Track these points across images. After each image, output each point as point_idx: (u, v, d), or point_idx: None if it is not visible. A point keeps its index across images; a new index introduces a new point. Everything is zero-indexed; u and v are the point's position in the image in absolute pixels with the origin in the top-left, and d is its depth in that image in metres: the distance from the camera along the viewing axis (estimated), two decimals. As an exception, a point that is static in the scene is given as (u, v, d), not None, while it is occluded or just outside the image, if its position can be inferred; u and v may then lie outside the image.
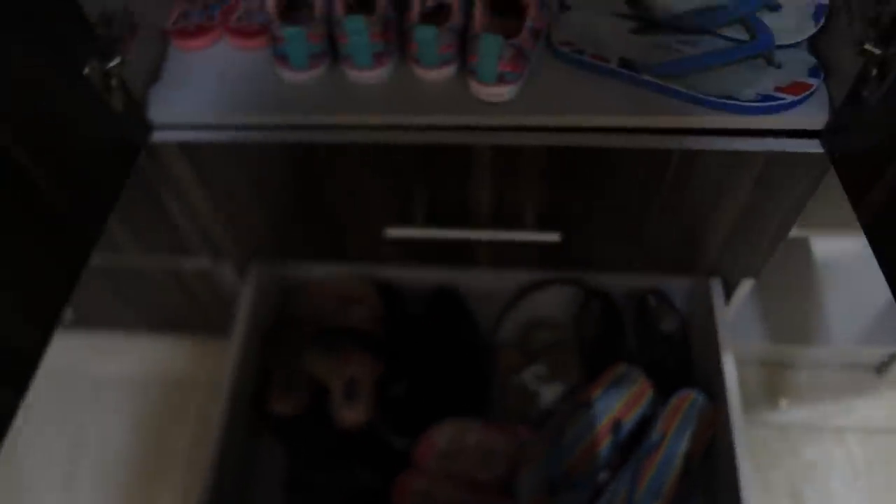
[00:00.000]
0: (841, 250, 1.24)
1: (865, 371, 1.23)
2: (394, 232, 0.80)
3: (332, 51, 0.73)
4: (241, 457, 1.00)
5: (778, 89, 0.69)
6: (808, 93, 0.69)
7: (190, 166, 0.77)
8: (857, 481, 1.13)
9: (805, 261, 1.23)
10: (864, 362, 1.22)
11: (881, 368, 1.22)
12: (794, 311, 1.18)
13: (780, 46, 0.72)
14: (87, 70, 0.62)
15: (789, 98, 0.69)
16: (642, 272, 0.91)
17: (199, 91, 0.74)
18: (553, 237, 0.79)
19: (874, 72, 0.60)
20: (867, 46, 0.60)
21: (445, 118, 0.71)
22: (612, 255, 0.88)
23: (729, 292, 0.98)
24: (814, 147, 0.70)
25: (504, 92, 0.69)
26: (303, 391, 1.02)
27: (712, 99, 0.69)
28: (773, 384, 1.22)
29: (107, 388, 1.28)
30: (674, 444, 0.97)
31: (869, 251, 1.23)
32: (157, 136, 0.74)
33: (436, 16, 0.73)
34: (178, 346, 1.31)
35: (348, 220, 0.84)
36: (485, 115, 0.70)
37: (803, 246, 1.24)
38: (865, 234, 0.63)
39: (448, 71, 0.72)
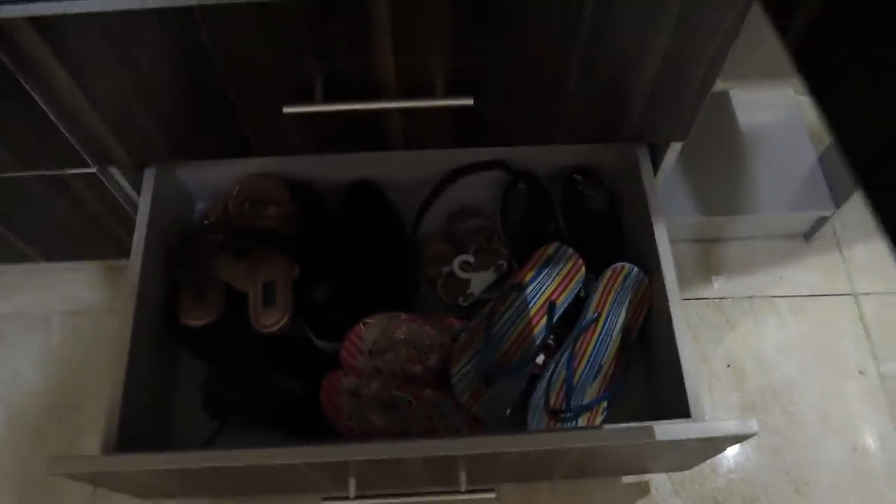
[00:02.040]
0: (764, 120, 1.22)
1: (794, 239, 1.23)
2: (292, 109, 0.72)
3: None
4: (155, 377, 0.94)
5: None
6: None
7: (48, 46, 0.67)
8: (791, 347, 1.13)
9: (728, 130, 1.21)
10: (793, 230, 1.22)
11: (809, 235, 1.22)
12: (720, 183, 1.15)
13: None
14: None
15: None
16: (565, 145, 0.86)
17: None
18: (466, 101, 0.72)
19: None
20: None
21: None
22: (531, 125, 0.82)
23: (657, 160, 0.94)
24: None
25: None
26: (215, 300, 0.96)
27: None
28: (704, 259, 1.21)
29: (9, 325, 1.19)
30: (610, 318, 0.94)
31: (790, 116, 1.22)
32: (4, 11, 0.64)
33: None
34: (81, 274, 1.22)
35: (241, 102, 0.76)
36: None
37: (726, 114, 1.21)
38: (794, 60, 0.59)
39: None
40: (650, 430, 0.73)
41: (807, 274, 1.20)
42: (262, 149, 0.83)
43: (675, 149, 0.90)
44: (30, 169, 0.87)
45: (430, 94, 0.74)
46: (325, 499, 0.83)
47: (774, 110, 1.22)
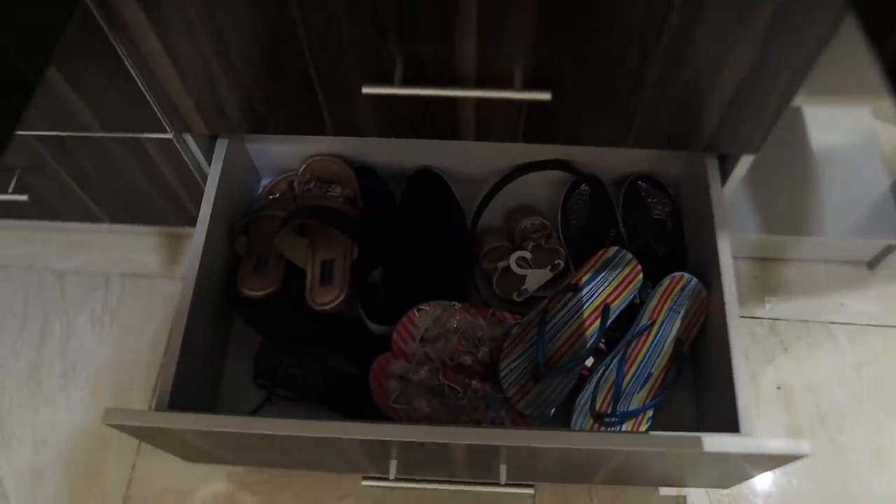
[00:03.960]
0: (836, 140, 1.19)
1: (857, 266, 1.20)
2: (371, 90, 0.73)
3: None
4: (210, 343, 0.96)
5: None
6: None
7: (143, 11, 0.69)
8: (846, 376, 1.11)
9: (799, 148, 1.18)
10: (856, 257, 1.19)
11: (873, 263, 1.19)
12: (787, 201, 1.13)
13: None
14: None
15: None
16: (634, 149, 0.85)
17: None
18: (544, 96, 0.72)
19: None
20: None
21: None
22: (604, 126, 0.82)
23: (725, 172, 0.93)
24: (831, -12, 0.63)
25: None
26: (275, 274, 0.97)
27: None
28: (763, 278, 1.19)
29: (71, 282, 1.22)
30: (665, 327, 0.93)
31: (865, 139, 1.19)
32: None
33: None
34: (142, 238, 1.25)
35: (322, 79, 0.77)
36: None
37: (798, 131, 1.19)
38: (886, 77, 0.58)
39: None
40: (698, 441, 0.72)
41: (868, 303, 1.17)
42: (336, 128, 0.84)
43: (745, 162, 0.89)
44: (109, 130, 0.90)
45: (508, 86, 0.74)
46: (366, 478, 0.84)
47: (849, 132, 1.19)
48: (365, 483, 0.85)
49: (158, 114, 0.85)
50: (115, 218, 1.14)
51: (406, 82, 0.74)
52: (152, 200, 1.07)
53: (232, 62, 0.76)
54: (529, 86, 0.74)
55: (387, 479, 0.83)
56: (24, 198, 1.02)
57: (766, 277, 1.19)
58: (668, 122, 0.81)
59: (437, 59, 0.73)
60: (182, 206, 1.08)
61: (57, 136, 0.92)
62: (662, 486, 1.02)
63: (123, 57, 0.76)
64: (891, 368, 1.11)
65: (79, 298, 1.21)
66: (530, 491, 0.85)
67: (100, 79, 0.80)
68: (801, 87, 0.75)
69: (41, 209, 1.12)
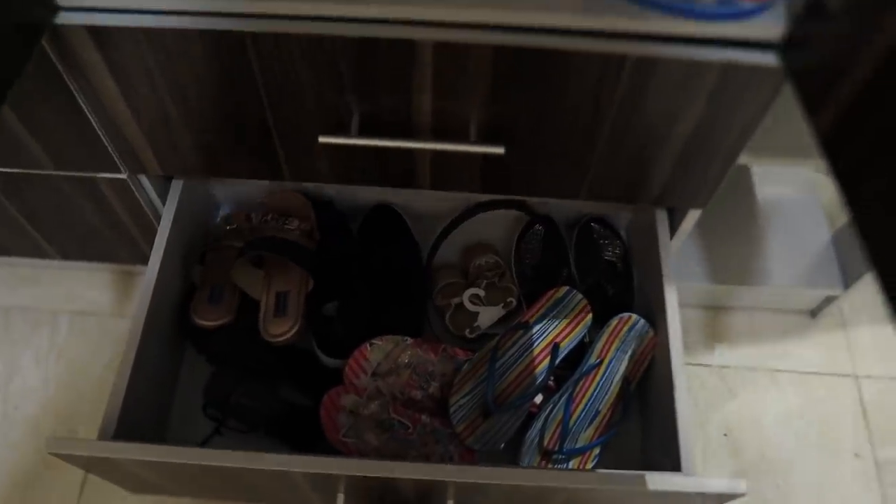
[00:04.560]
0: (781, 195, 1.23)
1: (800, 315, 1.24)
2: (327, 140, 0.74)
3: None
4: (160, 373, 0.95)
5: (739, -6, 0.66)
6: (768, 1, 0.66)
7: (101, 55, 0.70)
8: (789, 422, 1.13)
9: (744, 200, 1.22)
10: (800, 306, 1.23)
11: (815, 312, 1.23)
12: (732, 252, 1.17)
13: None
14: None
15: (750, 5, 0.65)
16: (586, 201, 0.87)
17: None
18: (497, 150, 0.74)
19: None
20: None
21: (387, 10, 0.65)
22: (556, 179, 0.84)
23: (674, 224, 0.96)
24: (770, 60, 0.67)
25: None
26: (229, 305, 0.97)
27: (671, 3, 0.65)
28: (710, 325, 1.22)
29: (16, 318, 1.19)
30: (612, 366, 0.95)
31: (807, 191, 1.24)
32: (64, 18, 0.66)
33: None
34: (92, 274, 1.23)
35: (279, 127, 0.78)
36: (429, 6, 0.65)
37: (744, 184, 1.23)
38: (821, 146, 0.61)
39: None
40: (642, 479, 0.74)
41: (811, 351, 1.21)
42: (292, 174, 0.85)
43: (693, 216, 0.92)
44: (62, 169, 0.89)
45: (463, 139, 0.76)
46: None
47: (791, 184, 1.24)
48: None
49: (113, 154, 0.84)
50: (66, 255, 1.13)
51: (363, 133, 0.75)
52: (104, 238, 1.06)
53: (189, 107, 0.76)
54: (484, 139, 0.76)
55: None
56: (-32, 232, 1.00)
57: (714, 325, 1.22)
58: (619, 178, 0.83)
59: (394, 110, 0.74)
60: (135, 243, 1.07)
61: (6, 173, 0.90)
62: None
63: (78, 97, 0.76)
64: (832, 415, 1.15)
65: (24, 335, 1.18)
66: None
67: (53, 118, 0.80)
68: (744, 147, 0.78)
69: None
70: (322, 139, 0.74)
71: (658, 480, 0.74)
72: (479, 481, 0.73)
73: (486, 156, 0.79)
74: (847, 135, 0.58)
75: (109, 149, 0.83)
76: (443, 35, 0.65)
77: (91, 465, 0.79)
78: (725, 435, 1.12)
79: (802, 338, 1.22)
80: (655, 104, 0.72)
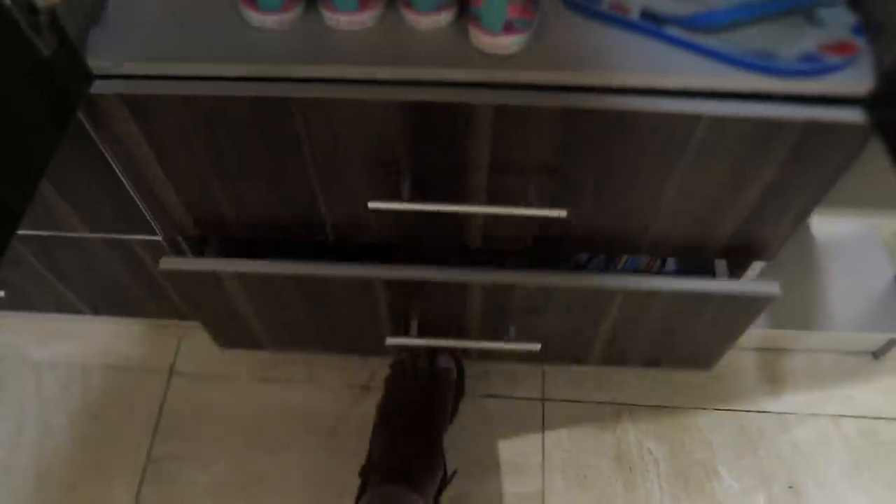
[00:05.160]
0: (840, 232, 1.18)
1: (862, 356, 1.17)
2: (377, 205, 0.70)
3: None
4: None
5: (823, 48, 0.61)
6: (854, 54, 0.60)
7: (136, 123, 0.65)
8: (854, 469, 1.07)
9: (803, 243, 1.17)
10: (862, 347, 1.17)
11: (878, 354, 1.16)
12: (791, 294, 1.11)
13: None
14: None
15: (835, 59, 0.60)
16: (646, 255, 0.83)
17: (148, 33, 0.63)
18: (560, 213, 0.69)
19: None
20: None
21: (441, 72, 0.60)
22: (615, 237, 0.79)
23: (735, 272, 0.90)
24: (856, 116, 0.61)
25: (511, 43, 0.59)
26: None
27: (750, 59, 0.60)
28: (769, 370, 1.16)
29: (48, 373, 1.16)
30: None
31: (868, 230, 1.18)
32: (98, 87, 0.62)
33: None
34: (123, 328, 1.19)
35: (325, 192, 0.73)
36: (488, 69, 0.60)
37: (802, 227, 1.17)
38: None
39: (445, 16, 0.62)
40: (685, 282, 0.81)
41: (876, 395, 1.14)
42: (337, 237, 0.81)
43: (757, 266, 0.87)
44: (96, 231, 0.85)
45: (521, 202, 0.71)
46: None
47: (852, 223, 1.18)
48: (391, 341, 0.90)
49: (148, 217, 0.81)
50: (98, 310, 1.09)
51: (414, 197, 0.71)
52: (137, 294, 1.03)
53: (229, 172, 0.72)
54: (544, 201, 0.71)
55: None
56: (-1, 293, 0.97)
57: (773, 369, 1.16)
58: (683, 236, 0.78)
59: (447, 173, 0.70)
60: (169, 299, 1.03)
61: (38, 236, 0.87)
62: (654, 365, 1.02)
63: (113, 163, 0.72)
64: (901, 464, 1.08)
65: (55, 393, 1.14)
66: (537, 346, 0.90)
67: (87, 182, 0.76)
68: (819, 203, 0.73)
69: (17, 301, 1.07)
70: (372, 205, 0.70)
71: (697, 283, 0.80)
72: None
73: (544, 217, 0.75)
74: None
75: (145, 212, 0.80)
76: (504, 98, 0.61)
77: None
78: (791, 488, 1.06)
79: (866, 381, 1.16)
80: (728, 163, 0.67)
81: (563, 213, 0.70)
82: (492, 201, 0.72)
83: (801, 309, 1.10)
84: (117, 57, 0.62)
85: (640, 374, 1.15)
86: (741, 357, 1.16)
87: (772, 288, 0.82)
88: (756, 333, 1.10)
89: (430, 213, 0.74)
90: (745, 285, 0.82)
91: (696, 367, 1.04)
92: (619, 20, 0.63)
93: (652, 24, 0.62)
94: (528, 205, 0.71)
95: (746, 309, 0.85)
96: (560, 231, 0.77)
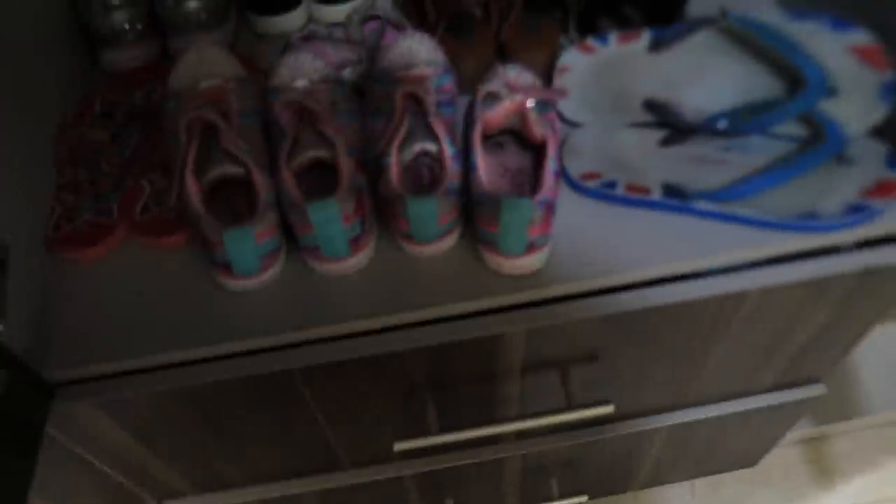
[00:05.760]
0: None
1: (903, 425, 1.12)
2: (404, 445, 0.61)
3: (287, 237, 0.54)
4: None
5: (866, 194, 0.55)
6: (897, 193, 0.55)
7: (118, 424, 0.56)
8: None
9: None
10: (901, 416, 1.11)
11: (920, 418, 1.11)
12: (831, 389, 1.04)
13: (846, 140, 0.58)
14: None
15: (880, 203, 0.54)
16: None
17: (111, 321, 0.53)
18: (607, 409, 0.61)
19: None
20: None
21: (462, 306, 0.52)
22: (661, 403, 0.71)
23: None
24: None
25: (534, 261, 0.52)
26: None
27: (791, 222, 0.54)
28: (815, 462, 1.09)
29: None
30: None
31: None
32: (64, 398, 0.52)
33: (413, 167, 0.55)
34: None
35: (339, 443, 0.64)
36: (511, 291, 0.52)
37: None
38: None
39: (449, 240, 0.54)
40: None
41: (928, 463, 1.08)
42: (352, 464, 0.71)
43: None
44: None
45: (563, 408, 0.62)
46: None
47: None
48: None
49: (140, 492, 0.70)
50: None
51: (445, 430, 0.62)
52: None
53: (229, 442, 0.62)
54: (588, 401, 0.63)
55: None
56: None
57: (820, 459, 1.09)
58: (727, 384, 0.71)
59: (479, 403, 0.61)
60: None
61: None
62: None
63: (96, 462, 0.61)
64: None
65: None
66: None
67: (70, 484, 0.65)
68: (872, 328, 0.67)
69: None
70: (399, 446, 0.61)
71: None
72: None
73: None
74: None
75: (132, 487, 0.69)
76: (534, 320, 0.53)
77: None
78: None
79: (914, 449, 1.10)
80: (775, 323, 0.60)
81: (609, 409, 0.62)
82: (527, 409, 0.64)
83: (841, 399, 1.04)
84: (80, 355, 0.52)
85: (686, 497, 1.07)
86: (785, 453, 1.08)
87: (816, 390, 0.76)
88: (801, 433, 1.04)
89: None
90: (790, 394, 0.75)
91: (741, 466, 0.97)
92: (641, 203, 0.56)
93: (678, 200, 0.55)
94: (571, 408, 0.62)
95: (793, 411, 0.80)
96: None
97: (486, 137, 0.56)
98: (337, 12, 0.72)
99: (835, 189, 0.56)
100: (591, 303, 0.53)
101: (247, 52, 0.71)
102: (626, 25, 0.64)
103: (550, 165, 0.51)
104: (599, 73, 0.62)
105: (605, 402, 0.61)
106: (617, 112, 0.61)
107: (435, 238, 0.52)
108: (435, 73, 0.58)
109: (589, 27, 0.66)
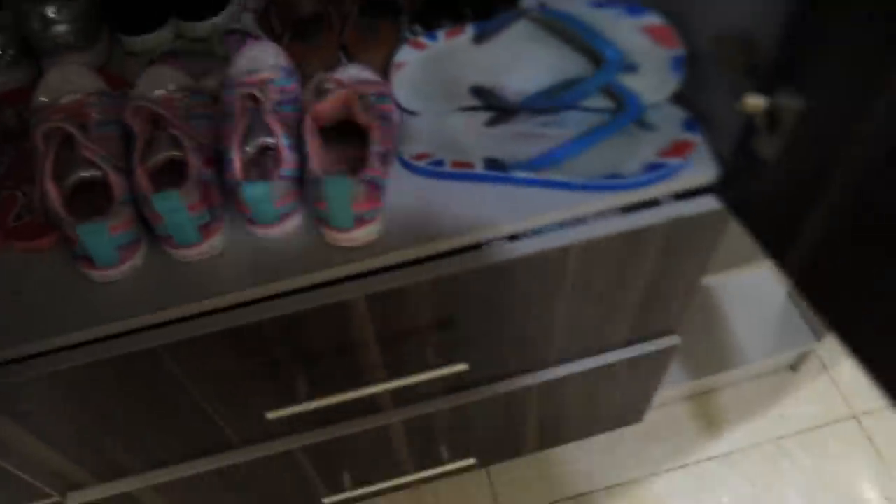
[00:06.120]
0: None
1: (781, 373, 1.21)
2: (276, 414, 0.67)
3: (147, 228, 0.60)
4: None
5: (662, 153, 0.63)
6: (692, 151, 0.63)
7: (8, 415, 0.61)
8: (812, 493, 1.09)
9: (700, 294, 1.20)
10: (779, 365, 1.20)
11: (796, 366, 1.20)
12: (701, 342, 1.13)
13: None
14: None
15: (676, 161, 0.62)
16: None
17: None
18: (462, 367, 0.68)
19: (763, 123, 0.54)
20: (750, 99, 0.54)
21: (305, 278, 0.59)
22: (522, 358, 0.78)
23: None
24: (711, 203, 0.63)
25: (366, 233, 0.58)
26: None
27: (598, 182, 0.61)
28: (701, 416, 1.17)
29: None
30: None
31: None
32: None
33: (261, 160, 0.61)
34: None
35: (220, 418, 0.69)
36: (350, 262, 0.59)
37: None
38: (797, 287, 0.57)
39: (293, 222, 0.60)
40: None
41: (804, 406, 1.18)
42: (243, 443, 0.76)
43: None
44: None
45: (420, 368, 0.69)
46: None
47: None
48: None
49: (39, 485, 0.74)
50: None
51: (314, 396, 0.68)
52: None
53: (115, 425, 0.67)
54: (444, 359, 0.70)
55: None
56: None
57: (706, 412, 1.18)
58: (585, 339, 0.78)
59: (341, 366, 0.68)
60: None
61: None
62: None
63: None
64: (848, 470, 1.11)
65: None
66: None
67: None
68: (702, 277, 0.75)
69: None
70: (271, 415, 0.67)
71: None
72: None
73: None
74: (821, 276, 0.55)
75: (34, 482, 0.73)
76: (371, 286, 0.59)
77: None
78: (758, 530, 1.07)
79: (791, 395, 1.19)
80: (606, 277, 0.68)
81: (464, 367, 0.68)
82: (392, 375, 0.70)
83: (714, 352, 1.12)
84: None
85: (585, 458, 1.14)
86: (672, 410, 1.17)
87: (671, 341, 0.83)
88: (681, 387, 1.12)
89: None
90: (646, 346, 0.83)
91: (627, 423, 1.05)
92: (466, 175, 0.63)
93: (498, 171, 0.62)
94: (429, 368, 0.69)
95: (655, 363, 0.87)
96: (467, 375, 0.76)
97: (327, 129, 0.62)
98: (202, 28, 0.78)
99: (636, 151, 0.63)
100: (423, 268, 0.60)
101: (118, 69, 0.77)
102: (462, 22, 0.71)
103: (374, 148, 0.58)
104: (431, 65, 0.68)
105: (460, 360, 0.68)
106: (447, 99, 0.68)
107: (274, 221, 0.58)
108: (277, 76, 0.64)
109: (430, 26, 0.73)
